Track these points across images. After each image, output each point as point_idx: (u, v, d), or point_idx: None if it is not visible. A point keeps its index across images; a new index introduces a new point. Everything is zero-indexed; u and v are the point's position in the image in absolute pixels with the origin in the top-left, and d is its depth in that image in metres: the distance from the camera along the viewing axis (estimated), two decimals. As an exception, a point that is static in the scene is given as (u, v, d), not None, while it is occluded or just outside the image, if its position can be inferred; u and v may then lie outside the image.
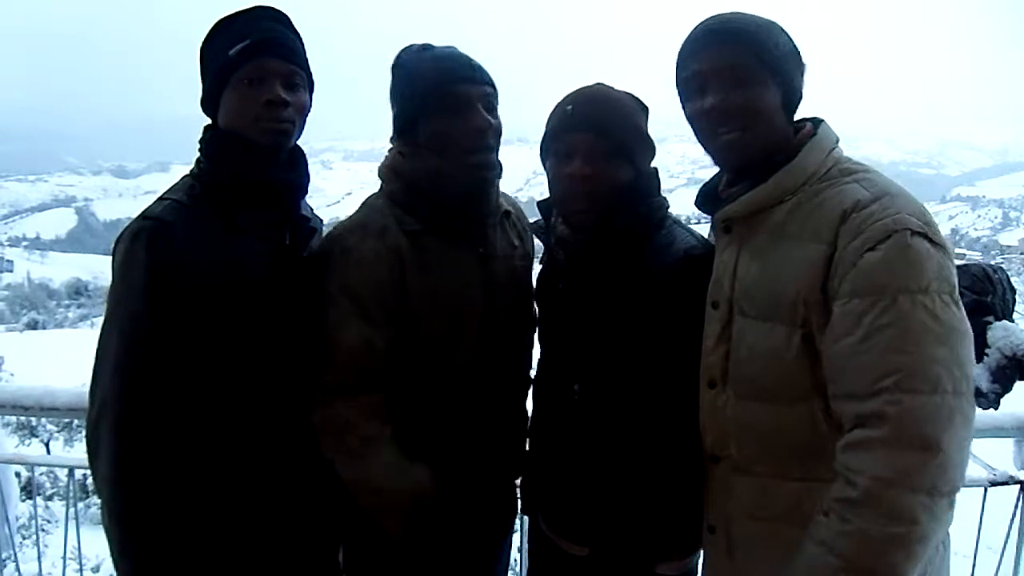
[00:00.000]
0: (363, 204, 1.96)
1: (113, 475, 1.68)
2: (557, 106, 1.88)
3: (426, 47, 1.91)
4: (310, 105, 1.88)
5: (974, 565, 2.83)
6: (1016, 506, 2.79)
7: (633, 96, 1.89)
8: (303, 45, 1.86)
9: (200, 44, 1.84)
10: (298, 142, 1.91)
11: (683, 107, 1.74)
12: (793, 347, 1.55)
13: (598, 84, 1.90)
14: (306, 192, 1.96)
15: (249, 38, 1.76)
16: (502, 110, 1.94)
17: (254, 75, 1.76)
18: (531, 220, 2.08)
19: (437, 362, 1.88)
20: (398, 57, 1.92)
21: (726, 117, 1.62)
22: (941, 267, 1.43)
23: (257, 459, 1.82)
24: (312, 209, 2.04)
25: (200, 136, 1.85)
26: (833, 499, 1.44)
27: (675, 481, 1.79)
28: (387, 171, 1.95)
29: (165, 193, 1.80)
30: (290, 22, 1.84)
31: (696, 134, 1.71)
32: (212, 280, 1.73)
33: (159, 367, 1.69)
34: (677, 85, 1.73)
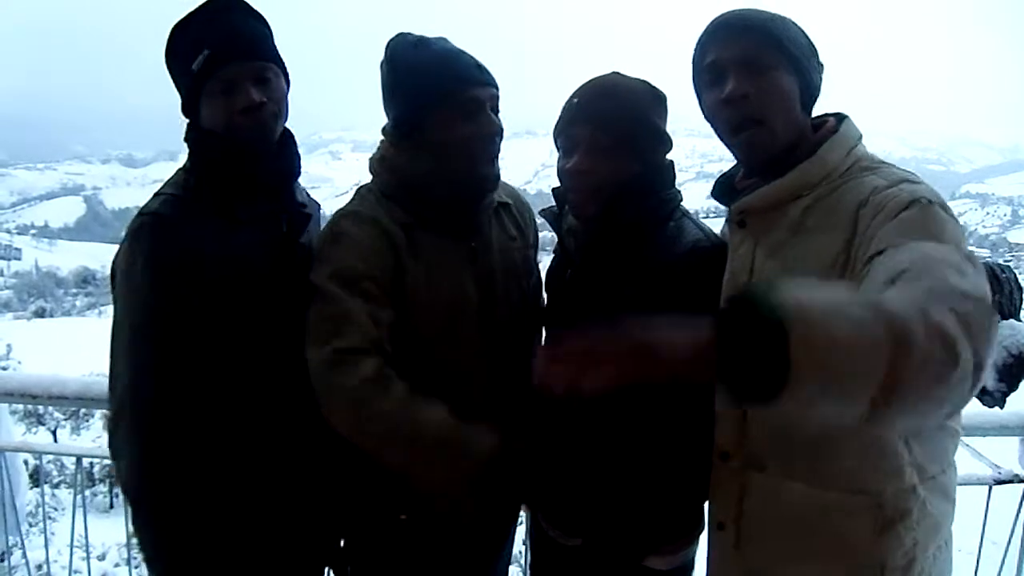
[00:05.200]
0: (355, 195, 1.94)
1: (136, 481, 1.69)
2: (568, 98, 1.85)
3: (420, 41, 1.84)
4: (288, 86, 1.84)
5: (978, 562, 2.83)
6: (1020, 504, 2.79)
7: (648, 86, 1.84)
8: (266, 26, 1.81)
9: (164, 54, 1.79)
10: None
11: (700, 102, 1.71)
12: None
13: (611, 74, 1.86)
14: (298, 176, 1.94)
15: (207, 47, 1.70)
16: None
17: (224, 86, 1.73)
18: (542, 208, 2.05)
19: (437, 358, 1.86)
20: (392, 51, 1.84)
21: (743, 105, 1.59)
22: (961, 234, 1.40)
23: (268, 449, 1.82)
24: (308, 193, 2.02)
25: (184, 135, 1.82)
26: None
27: (671, 478, 1.79)
28: (378, 164, 1.91)
29: (161, 189, 1.79)
30: (246, 6, 1.79)
31: (715, 128, 1.68)
32: (216, 271, 1.72)
33: (172, 362, 1.69)
34: (694, 80, 1.71)
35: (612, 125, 1.76)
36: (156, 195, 1.77)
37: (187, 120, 1.83)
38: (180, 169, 1.83)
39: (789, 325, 0.96)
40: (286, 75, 1.85)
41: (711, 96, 1.65)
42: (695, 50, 1.69)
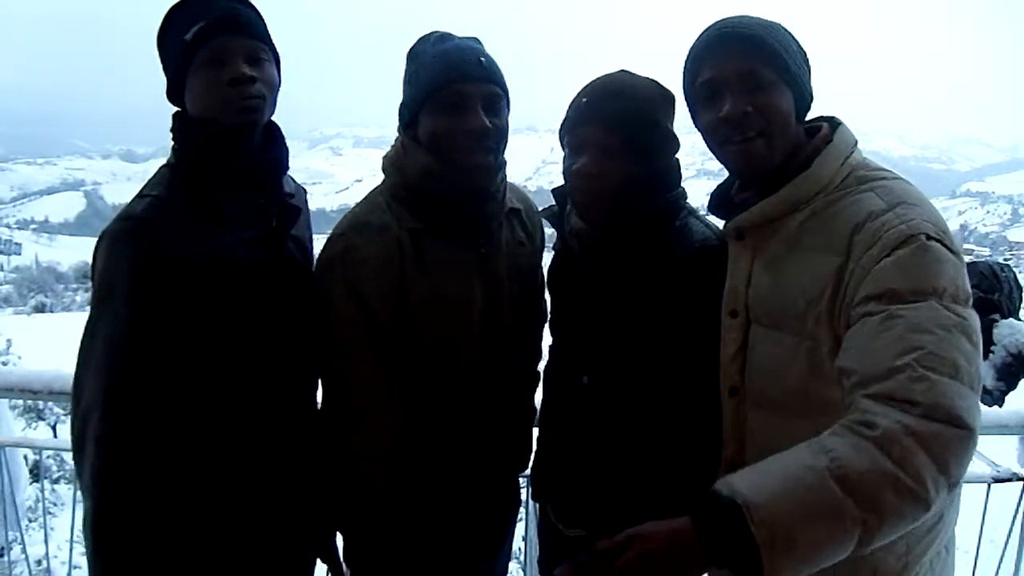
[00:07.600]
0: (366, 198, 1.91)
1: (95, 489, 1.62)
2: (575, 96, 1.82)
3: (444, 37, 1.83)
4: (279, 79, 1.80)
5: (976, 560, 2.84)
6: (1019, 503, 2.79)
7: (657, 85, 1.81)
8: (262, 19, 1.78)
9: (156, 35, 1.77)
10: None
11: (693, 115, 1.70)
12: (799, 360, 1.52)
13: (619, 73, 1.84)
14: (287, 168, 1.90)
15: (204, 19, 1.68)
16: (512, 99, 1.87)
17: (215, 56, 1.69)
18: (542, 208, 2.04)
19: (441, 362, 1.86)
20: (415, 45, 1.85)
21: (743, 124, 1.57)
22: (957, 273, 1.38)
23: (251, 463, 1.79)
24: (296, 182, 1.99)
25: (171, 126, 1.77)
26: (842, 426, 1.26)
27: (675, 479, 1.79)
28: (389, 164, 1.90)
29: (143, 189, 1.73)
30: None
31: (709, 143, 1.66)
32: (201, 278, 1.67)
33: (146, 374, 1.63)
34: (685, 92, 1.70)
35: (621, 126, 1.74)
36: (140, 196, 1.71)
37: (174, 109, 1.79)
38: (164, 166, 1.78)
39: (757, 540, 1.14)
40: (278, 65, 1.81)
41: (708, 114, 1.63)
42: (687, 63, 1.67)
